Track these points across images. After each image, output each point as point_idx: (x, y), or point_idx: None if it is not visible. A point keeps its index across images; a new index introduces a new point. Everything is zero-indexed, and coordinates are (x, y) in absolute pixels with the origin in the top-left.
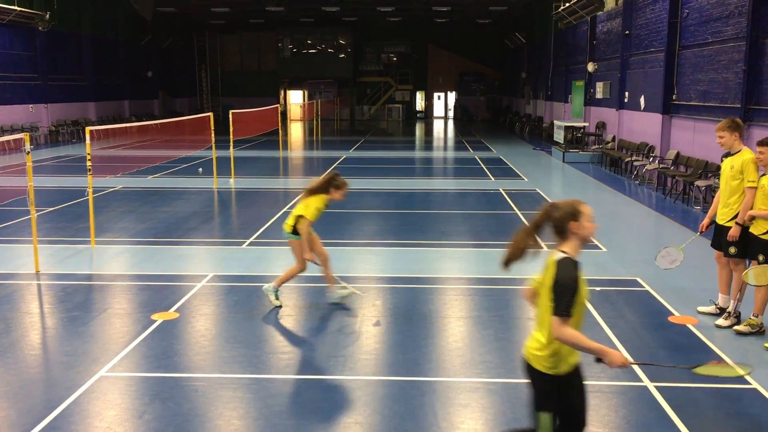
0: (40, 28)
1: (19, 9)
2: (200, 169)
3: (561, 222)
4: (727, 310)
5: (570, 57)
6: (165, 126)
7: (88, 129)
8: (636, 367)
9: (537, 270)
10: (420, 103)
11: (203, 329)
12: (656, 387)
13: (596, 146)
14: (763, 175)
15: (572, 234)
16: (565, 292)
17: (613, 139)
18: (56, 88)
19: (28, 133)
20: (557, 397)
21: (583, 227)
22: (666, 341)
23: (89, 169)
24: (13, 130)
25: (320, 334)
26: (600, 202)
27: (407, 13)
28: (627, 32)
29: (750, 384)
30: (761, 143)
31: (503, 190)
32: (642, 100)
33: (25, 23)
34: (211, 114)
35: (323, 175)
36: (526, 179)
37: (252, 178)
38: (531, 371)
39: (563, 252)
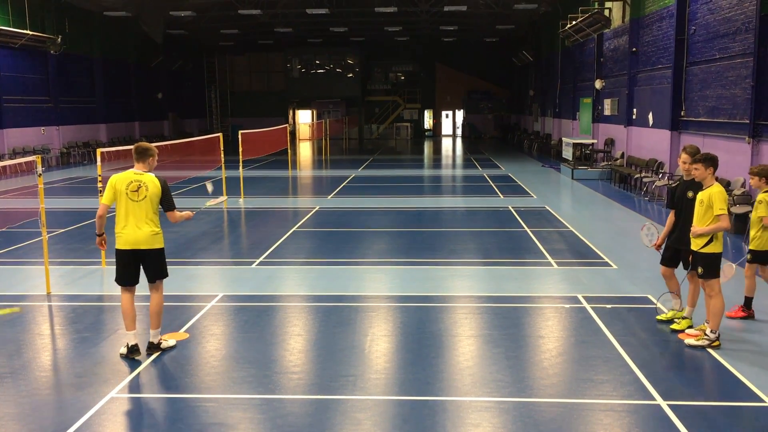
0: (51, 52)
1: (31, 33)
2: (210, 189)
3: None
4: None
5: (577, 74)
6: (175, 147)
7: (99, 151)
8: (649, 386)
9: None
10: (428, 121)
11: (213, 350)
12: (669, 405)
13: (605, 163)
14: (702, 190)
15: None
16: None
17: (622, 155)
18: (68, 110)
19: (39, 156)
20: None
21: None
22: (677, 358)
23: (100, 191)
24: (25, 153)
25: (330, 353)
26: (610, 218)
27: (414, 32)
28: (634, 49)
29: (765, 402)
30: (695, 161)
31: (512, 207)
32: (650, 116)
33: (37, 47)
34: (220, 134)
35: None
36: (535, 196)
37: (261, 197)
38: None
39: None
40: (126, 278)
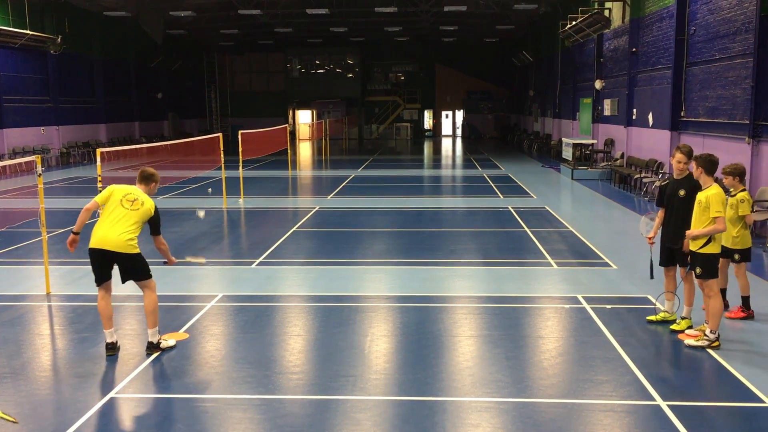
0: (51, 52)
1: (31, 33)
2: (209, 189)
3: None
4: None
5: (577, 74)
6: (175, 147)
7: (99, 151)
8: (649, 386)
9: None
10: (428, 121)
11: (213, 350)
12: (669, 406)
13: (605, 163)
14: (700, 190)
15: None
16: None
17: (622, 155)
18: (67, 110)
19: (39, 155)
20: None
21: None
22: (677, 359)
23: (100, 191)
24: (24, 153)
25: (330, 353)
26: (609, 219)
27: (414, 32)
28: (634, 49)
29: (765, 403)
30: (695, 159)
31: (512, 207)
32: (650, 116)
33: (37, 47)
34: (220, 134)
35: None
36: (535, 197)
37: (261, 197)
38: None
39: None
40: (97, 277)
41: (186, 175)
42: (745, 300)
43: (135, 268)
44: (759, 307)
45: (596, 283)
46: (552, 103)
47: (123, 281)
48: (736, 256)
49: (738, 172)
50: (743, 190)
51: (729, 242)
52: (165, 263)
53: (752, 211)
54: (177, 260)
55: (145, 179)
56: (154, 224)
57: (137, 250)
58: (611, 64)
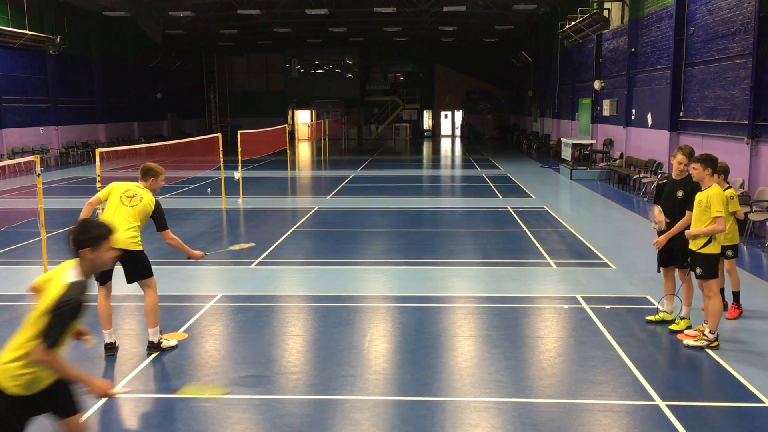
0: (51, 52)
1: (30, 33)
2: (209, 190)
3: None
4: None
5: (576, 75)
6: (174, 147)
7: (98, 151)
8: (648, 386)
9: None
10: (427, 121)
11: (212, 350)
12: (668, 406)
13: (604, 163)
14: (700, 191)
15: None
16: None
17: (621, 156)
18: (66, 110)
19: (38, 155)
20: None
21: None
22: (676, 359)
23: (99, 191)
24: (23, 153)
25: (329, 353)
26: (608, 219)
27: (413, 32)
28: (633, 50)
29: (764, 403)
30: (695, 160)
31: (511, 208)
32: (649, 117)
33: (36, 47)
34: (219, 135)
35: None
36: (534, 197)
37: (260, 197)
38: None
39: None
40: (98, 277)
41: (185, 175)
42: (737, 295)
43: (137, 266)
44: (758, 307)
45: (595, 283)
46: (551, 104)
47: (129, 281)
48: (729, 253)
49: (723, 170)
50: (729, 187)
51: (721, 239)
52: (188, 258)
53: (751, 211)
54: (214, 251)
55: (144, 174)
56: (157, 219)
57: (140, 247)
58: (610, 64)
